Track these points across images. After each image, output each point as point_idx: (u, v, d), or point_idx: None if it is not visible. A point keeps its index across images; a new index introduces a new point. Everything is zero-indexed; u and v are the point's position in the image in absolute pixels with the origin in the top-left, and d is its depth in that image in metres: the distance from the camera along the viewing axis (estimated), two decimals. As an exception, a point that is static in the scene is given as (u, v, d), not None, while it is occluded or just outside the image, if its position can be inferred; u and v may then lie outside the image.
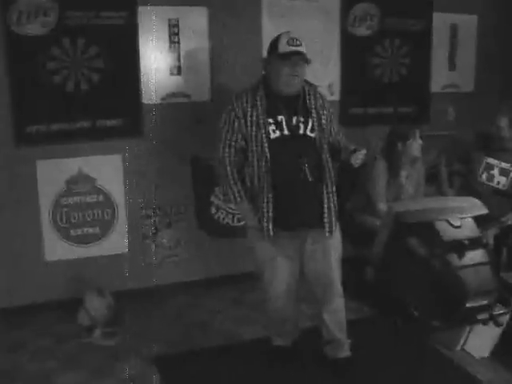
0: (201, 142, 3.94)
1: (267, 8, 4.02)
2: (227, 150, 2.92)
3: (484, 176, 3.90)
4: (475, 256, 1.90)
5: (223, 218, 4.20)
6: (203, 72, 3.94)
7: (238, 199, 2.96)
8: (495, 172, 3.88)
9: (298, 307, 3.28)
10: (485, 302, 1.86)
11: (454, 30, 4.61)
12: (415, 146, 3.80)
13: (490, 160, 3.91)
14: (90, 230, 3.89)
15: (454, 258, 1.86)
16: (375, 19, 4.30)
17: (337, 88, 4.30)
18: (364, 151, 2.81)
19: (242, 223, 4.15)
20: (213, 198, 4.13)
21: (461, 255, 1.87)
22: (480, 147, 3.94)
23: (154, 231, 4.04)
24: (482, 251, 1.92)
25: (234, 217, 4.21)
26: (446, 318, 1.86)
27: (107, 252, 3.93)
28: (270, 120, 2.86)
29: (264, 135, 2.83)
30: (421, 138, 3.82)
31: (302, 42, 2.82)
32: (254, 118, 2.86)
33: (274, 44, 2.86)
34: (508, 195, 3.66)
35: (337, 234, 3.03)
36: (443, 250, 1.87)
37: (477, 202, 2.07)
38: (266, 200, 2.86)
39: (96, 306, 3.54)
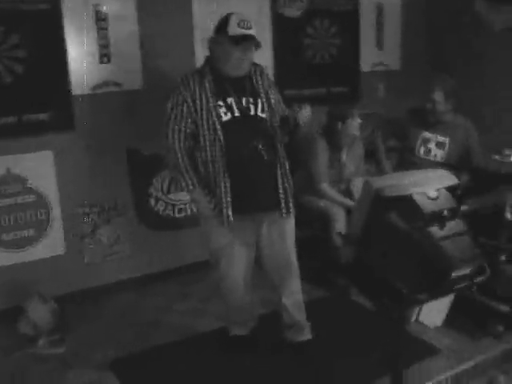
0: (135, 132, 3.80)
1: (198, -11, 3.89)
2: (176, 135, 2.80)
3: (422, 150, 3.99)
4: (454, 226, 1.91)
5: (163, 210, 4.06)
6: (134, 58, 3.74)
7: (191, 187, 2.85)
8: (432, 146, 3.98)
9: (253, 294, 3.22)
10: (468, 271, 1.87)
11: (379, 9, 4.68)
12: (354, 124, 3.84)
13: (426, 134, 3.99)
14: (24, 233, 3.62)
15: (435, 230, 1.86)
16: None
17: (270, 70, 4.24)
18: (308, 107, 2.78)
19: (183, 214, 4.08)
20: (151, 190, 3.98)
21: (441, 226, 1.87)
22: (416, 123, 4.02)
23: (92, 229, 3.83)
24: (459, 221, 1.93)
25: (174, 207, 4.08)
26: (433, 290, 1.86)
27: (44, 255, 3.68)
28: (220, 102, 2.78)
29: (215, 118, 2.74)
30: (359, 116, 3.86)
31: (252, 25, 2.74)
32: (204, 101, 2.76)
33: (223, 25, 2.75)
34: (450, 167, 3.76)
35: (291, 215, 3.00)
36: (424, 222, 1.86)
37: (446, 172, 2.09)
38: (222, 185, 2.77)
39: (40, 313, 3.30)
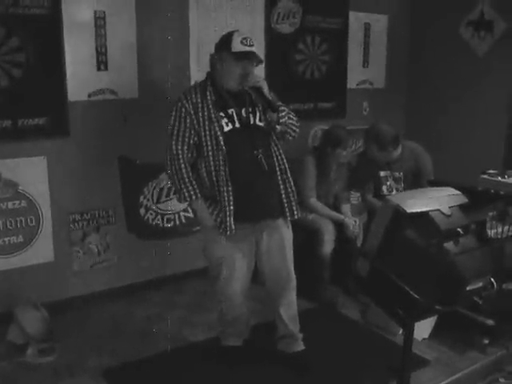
0: (129, 141, 3.80)
1: (194, 3, 3.92)
2: (180, 147, 2.85)
3: (384, 188, 3.97)
4: (468, 242, 2.01)
5: (152, 220, 4.05)
6: (131, 68, 3.75)
7: (194, 197, 2.88)
8: (390, 182, 3.97)
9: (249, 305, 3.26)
10: (480, 285, 1.97)
11: (367, 29, 4.82)
12: (344, 154, 3.92)
13: (382, 173, 4.00)
14: (13, 239, 3.56)
15: (450, 246, 1.96)
16: (297, 16, 4.37)
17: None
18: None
19: (171, 224, 4.07)
20: (142, 199, 3.97)
21: (456, 242, 1.97)
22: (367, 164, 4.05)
23: (81, 237, 3.80)
24: (472, 237, 2.04)
25: (163, 217, 4.08)
26: (449, 302, 1.95)
27: (32, 262, 3.62)
28: (222, 113, 2.84)
29: (217, 128, 2.81)
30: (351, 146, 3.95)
31: (254, 42, 2.84)
32: (206, 113, 2.83)
33: (227, 42, 2.83)
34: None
35: (289, 225, 3.06)
36: (440, 238, 1.96)
37: (456, 191, 2.19)
38: (225, 194, 2.82)
39: (31, 320, 3.24)
